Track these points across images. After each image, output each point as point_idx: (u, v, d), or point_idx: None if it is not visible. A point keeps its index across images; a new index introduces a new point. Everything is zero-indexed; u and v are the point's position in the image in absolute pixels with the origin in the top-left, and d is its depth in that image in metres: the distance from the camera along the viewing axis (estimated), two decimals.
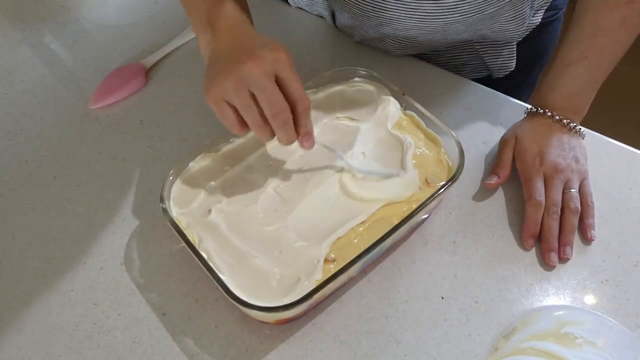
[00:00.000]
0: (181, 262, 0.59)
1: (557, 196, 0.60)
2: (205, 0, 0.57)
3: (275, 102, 0.50)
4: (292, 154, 0.61)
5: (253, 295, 0.50)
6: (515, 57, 0.78)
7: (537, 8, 0.75)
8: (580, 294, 0.57)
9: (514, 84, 0.84)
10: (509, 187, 0.64)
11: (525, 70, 0.84)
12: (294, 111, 0.52)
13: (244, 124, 0.52)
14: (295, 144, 0.61)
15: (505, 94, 0.74)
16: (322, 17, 0.84)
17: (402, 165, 0.59)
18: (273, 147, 0.62)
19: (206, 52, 0.56)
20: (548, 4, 0.76)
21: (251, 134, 0.62)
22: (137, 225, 0.62)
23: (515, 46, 0.77)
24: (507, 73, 0.80)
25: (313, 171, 0.59)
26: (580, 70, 0.63)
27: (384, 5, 0.65)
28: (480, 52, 0.78)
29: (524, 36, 0.76)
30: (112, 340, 0.54)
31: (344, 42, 0.81)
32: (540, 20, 0.77)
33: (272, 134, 0.53)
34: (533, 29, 0.78)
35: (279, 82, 0.51)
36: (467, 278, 0.58)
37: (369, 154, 0.61)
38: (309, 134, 0.54)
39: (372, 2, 0.66)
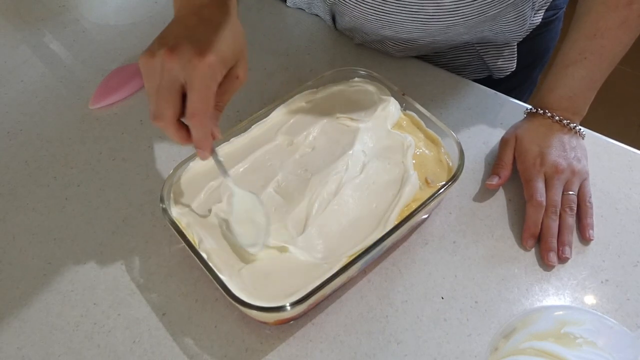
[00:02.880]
0: (181, 262, 0.59)
1: (557, 197, 0.61)
2: None
3: (158, 105, 0.47)
4: (292, 154, 0.61)
5: (253, 295, 0.50)
6: (516, 58, 0.78)
7: (538, 8, 0.75)
8: (580, 294, 0.57)
9: (515, 84, 0.84)
10: (509, 187, 0.64)
11: (526, 70, 0.84)
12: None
13: None
14: (297, 142, 0.62)
15: (506, 93, 0.74)
16: (321, 17, 0.84)
17: (405, 167, 0.59)
18: (273, 147, 0.62)
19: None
20: (548, 3, 0.76)
21: (251, 134, 0.62)
22: (137, 225, 0.62)
23: (516, 47, 0.77)
24: (508, 73, 0.80)
25: (313, 171, 0.59)
26: (579, 70, 0.63)
27: (385, 8, 0.65)
28: (481, 53, 0.78)
29: (524, 36, 0.76)
30: (112, 340, 0.54)
31: (344, 43, 0.81)
32: (540, 20, 0.77)
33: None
34: (533, 29, 0.78)
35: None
36: (467, 278, 0.58)
37: (369, 153, 0.61)
38: (201, 148, 0.50)
39: (374, 5, 0.66)
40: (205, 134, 0.49)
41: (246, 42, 0.51)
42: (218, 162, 0.53)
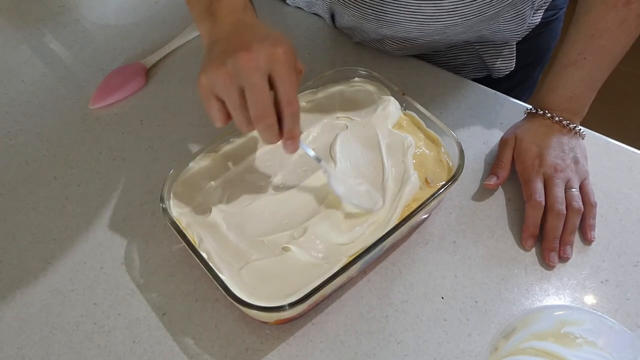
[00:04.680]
0: (181, 262, 0.59)
1: (561, 193, 0.60)
2: None
3: (260, 105, 0.47)
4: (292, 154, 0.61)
5: (253, 295, 0.50)
6: (515, 57, 0.78)
7: (537, 8, 0.75)
8: (580, 294, 0.57)
9: (515, 83, 0.84)
10: (508, 187, 0.64)
11: (525, 70, 0.84)
12: (280, 114, 0.48)
13: (227, 118, 0.50)
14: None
15: (506, 93, 0.74)
16: (320, 16, 0.84)
17: (405, 167, 0.59)
18: (273, 147, 0.61)
19: (206, 43, 0.53)
20: (548, 3, 0.76)
21: (251, 134, 0.62)
22: (137, 225, 0.62)
23: (515, 46, 0.77)
24: (507, 73, 0.80)
25: (313, 171, 0.59)
26: (579, 71, 0.63)
27: (383, 8, 0.65)
28: (480, 52, 0.78)
29: (523, 36, 0.76)
30: (112, 340, 0.54)
31: (344, 42, 0.81)
32: (539, 20, 0.77)
33: (254, 130, 0.50)
34: (533, 28, 0.78)
35: (271, 81, 0.47)
36: (467, 278, 0.58)
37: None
38: (293, 139, 0.50)
39: (372, 4, 0.66)
40: (297, 121, 0.50)
41: None
42: (307, 151, 0.55)
